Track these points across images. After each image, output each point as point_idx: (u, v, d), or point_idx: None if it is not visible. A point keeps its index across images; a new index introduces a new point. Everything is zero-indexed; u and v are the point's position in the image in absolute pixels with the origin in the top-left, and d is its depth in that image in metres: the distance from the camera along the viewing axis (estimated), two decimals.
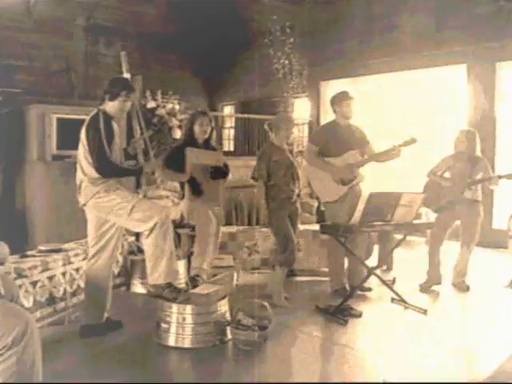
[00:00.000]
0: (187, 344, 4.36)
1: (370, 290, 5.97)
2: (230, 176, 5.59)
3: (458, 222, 6.23)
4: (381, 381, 3.72)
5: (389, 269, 7.07)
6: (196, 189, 5.23)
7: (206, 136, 5.45)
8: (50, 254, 5.08)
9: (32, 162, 7.55)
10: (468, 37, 9.14)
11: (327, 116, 10.72)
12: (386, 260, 6.83)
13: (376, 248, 6.88)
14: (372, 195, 5.01)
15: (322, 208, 6.32)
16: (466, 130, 6.47)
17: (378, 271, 5.88)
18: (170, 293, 4.41)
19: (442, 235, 6.18)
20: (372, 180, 6.29)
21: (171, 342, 4.39)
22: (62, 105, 7.98)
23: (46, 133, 7.43)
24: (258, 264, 7.01)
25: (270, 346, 4.41)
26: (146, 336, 4.58)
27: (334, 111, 5.95)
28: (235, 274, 6.30)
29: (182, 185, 5.38)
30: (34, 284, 4.59)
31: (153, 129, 7.79)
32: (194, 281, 4.86)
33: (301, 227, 6.82)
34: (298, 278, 6.77)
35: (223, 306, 4.56)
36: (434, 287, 6.17)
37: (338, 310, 5.22)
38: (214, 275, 5.05)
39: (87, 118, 4.48)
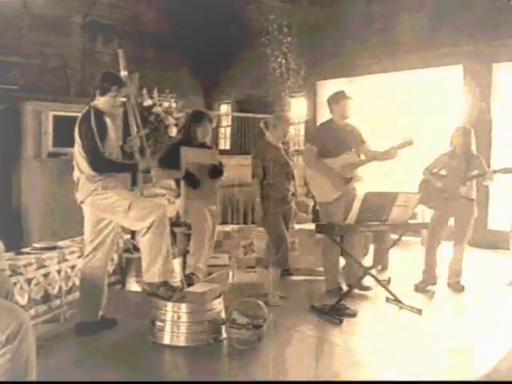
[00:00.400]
0: (182, 342, 4.36)
1: (368, 288, 5.94)
2: (225, 174, 5.59)
3: (452, 222, 6.25)
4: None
5: (384, 268, 7.07)
6: (192, 182, 5.21)
7: (207, 137, 5.45)
8: (45, 252, 5.08)
9: (28, 159, 7.53)
10: (465, 37, 9.16)
11: (323, 115, 10.69)
12: (381, 260, 6.83)
13: (371, 248, 6.89)
14: (368, 195, 5.01)
15: (318, 207, 6.32)
16: (461, 126, 6.46)
17: (373, 271, 5.89)
18: (165, 291, 4.40)
19: (438, 235, 6.20)
20: (368, 179, 6.29)
21: (166, 340, 4.38)
22: (59, 102, 7.98)
23: (42, 130, 7.43)
24: (253, 263, 7.01)
25: (265, 344, 4.40)
26: (140, 334, 4.57)
27: (331, 110, 5.94)
28: (230, 273, 6.32)
29: (177, 183, 5.37)
30: (28, 281, 4.59)
31: (149, 127, 7.80)
32: (189, 279, 4.85)
33: (296, 226, 6.83)
34: (294, 277, 6.77)
35: (218, 305, 4.56)
36: (430, 287, 6.18)
37: (333, 309, 5.21)
38: (210, 274, 5.05)
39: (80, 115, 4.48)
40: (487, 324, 5.08)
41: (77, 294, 4.92)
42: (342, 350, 4.47)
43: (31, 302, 4.59)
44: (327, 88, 11.42)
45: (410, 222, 5.62)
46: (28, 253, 5.05)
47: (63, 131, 6.87)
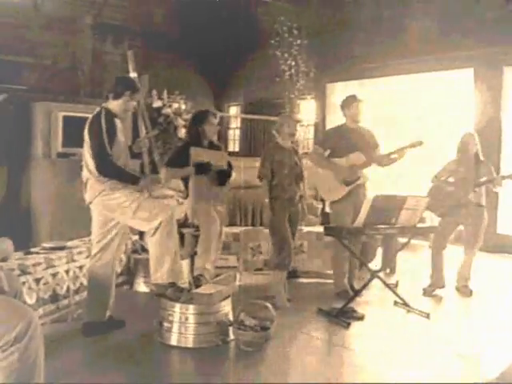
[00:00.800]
0: (189, 343, 4.36)
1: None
2: (234, 176, 5.59)
3: (461, 227, 6.23)
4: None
5: (392, 272, 7.06)
6: (203, 169, 5.13)
7: (215, 136, 5.45)
8: (53, 252, 5.10)
9: (38, 159, 7.56)
10: (475, 41, 9.11)
11: (333, 118, 10.73)
12: (389, 263, 6.82)
13: (379, 251, 6.87)
14: (377, 198, 5.00)
15: (327, 210, 6.32)
16: (467, 133, 6.42)
17: (381, 274, 5.87)
18: (173, 292, 4.41)
19: (446, 239, 6.18)
20: (378, 182, 6.29)
21: (173, 341, 4.39)
22: (69, 102, 8.00)
23: (52, 130, 7.45)
24: (261, 265, 7.00)
25: (272, 346, 4.40)
26: (148, 335, 4.57)
27: (344, 115, 5.98)
28: (238, 275, 6.31)
29: (185, 184, 5.37)
30: (37, 281, 4.61)
31: (158, 128, 7.82)
32: (197, 280, 4.85)
33: (305, 229, 6.82)
34: (302, 280, 6.76)
35: (226, 307, 4.56)
36: (438, 291, 6.16)
37: (341, 312, 5.21)
38: (217, 275, 5.05)
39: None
40: (496, 329, 5.06)
41: (85, 294, 4.94)
42: (349, 352, 4.47)
43: (39, 302, 4.61)
44: (337, 90, 11.43)
45: (419, 225, 5.60)
46: (37, 252, 5.08)
47: (73, 132, 6.93)
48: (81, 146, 4.54)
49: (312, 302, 5.70)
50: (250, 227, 7.54)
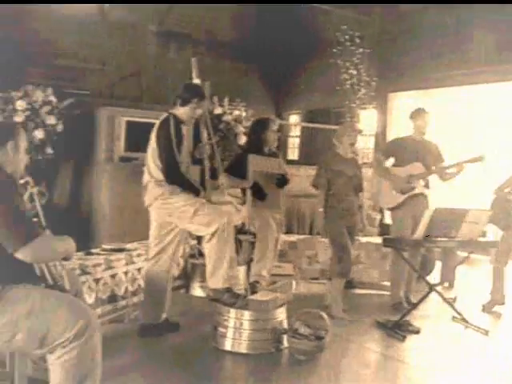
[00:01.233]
0: (243, 349, 4.38)
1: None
2: (292, 184, 5.59)
3: None
4: None
5: (451, 286, 6.92)
6: (259, 193, 5.21)
7: (275, 143, 5.47)
8: (113, 253, 5.20)
9: (100, 162, 7.71)
10: None
11: (394, 128, 10.60)
12: (448, 277, 6.69)
13: (438, 264, 6.76)
14: (437, 210, 4.95)
15: (385, 221, 6.27)
16: None
17: (439, 288, 5.77)
18: (228, 297, 4.44)
19: (508, 254, 6.01)
20: (438, 195, 6.20)
21: (227, 346, 4.41)
22: (132, 108, 8.15)
23: (115, 135, 7.60)
24: (317, 274, 6.98)
25: (325, 356, 4.38)
26: (202, 339, 4.63)
27: (413, 127, 5.97)
28: (294, 283, 6.30)
29: (243, 191, 5.40)
30: (96, 281, 4.71)
31: (219, 135, 7.88)
32: (252, 287, 4.87)
33: (363, 239, 6.76)
34: (358, 291, 6.71)
35: (281, 314, 4.56)
36: (497, 307, 6.00)
37: (397, 325, 5.14)
38: (273, 283, 5.05)
39: (157, 121, 4.55)
40: None
41: (142, 296, 5.01)
42: (404, 366, 4.40)
43: (98, 302, 4.71)
44: (399, 100, 11.28)
45: (480, 239, 5.47)
46: (97, 253, 5.19)
47: (135, 136, 7.07)
48: (142, 150, 4.62)
49: (367, 314, 5.66)
50: (307, 235, 7.52)
